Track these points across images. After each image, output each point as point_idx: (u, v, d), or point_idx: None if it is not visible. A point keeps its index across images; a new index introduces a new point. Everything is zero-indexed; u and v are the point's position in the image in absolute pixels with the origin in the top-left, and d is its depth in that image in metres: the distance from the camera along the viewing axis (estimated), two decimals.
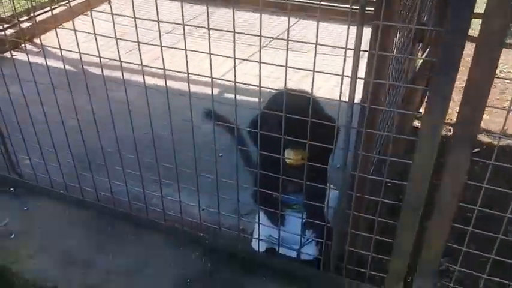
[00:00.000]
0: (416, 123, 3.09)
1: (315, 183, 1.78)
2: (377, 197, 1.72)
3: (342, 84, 1.42)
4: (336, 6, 3.86)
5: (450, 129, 2.96)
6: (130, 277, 2.04)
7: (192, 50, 1.54)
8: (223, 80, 1.65)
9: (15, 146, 2.40)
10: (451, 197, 1.53)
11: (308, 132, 1.59)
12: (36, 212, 2.38)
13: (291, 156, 1.84)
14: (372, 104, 1.50)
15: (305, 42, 1.41)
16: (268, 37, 3.40)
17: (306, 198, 1.86)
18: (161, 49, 1.65)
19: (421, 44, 2.75)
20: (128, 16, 1.67)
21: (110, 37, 1.70)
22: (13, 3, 2.07)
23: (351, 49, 1.36)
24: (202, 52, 1.58)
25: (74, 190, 2.34)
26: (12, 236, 2.25)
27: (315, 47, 1.40)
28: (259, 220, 2.01)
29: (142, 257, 2.13)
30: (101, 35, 1.74)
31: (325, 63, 3.03)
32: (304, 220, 1.95)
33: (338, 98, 1.48)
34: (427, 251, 1.70)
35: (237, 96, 1.66)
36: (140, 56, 1.72)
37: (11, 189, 2.50)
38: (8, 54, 3.14)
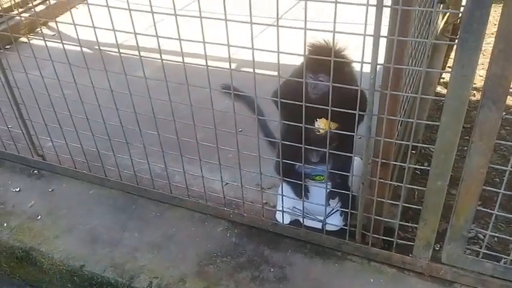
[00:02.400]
0: (439, 88, 3.01)
1: (341, 153, 1.74)
2: (402, 163, 1.68)
3: (364, 44, 1.37)
4: None
5: (474, 94, 2.89)
6: (156, 253, 2.05)
7: (207, 18, 1.51)
8: (241, 47, 1.61)
9: (37, 128, 2.42)
10: (482, 159, 1.48)
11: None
12: (60, 192, 2.40)
13: (322, 126, 1.81)
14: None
15: (324, 1, 1.36)
16: None
17: (332, 168, 1.83)
18: (176, 21, 1.61)
19: (441, 5, 2.65)
20: None
21: (125, 9, 1.67)
22: None
23: (372, 5, 1.30)
24: (218, 19, 1.54)
25: (97, 169, 2.35)
26: (39, 217, 2.28)
27: (335, 5, 1.35)
28: (282, 192, 1.98)
29: (167, 233, 2.14)
30: (118, 8, 1.71)
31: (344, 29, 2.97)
32: (328, 190, 1.93)
33: (360, 60, 1.43)
34: (456, 216, 1.66)
35: (255, 70, 1.62)
36: (156, 30, 1.70)
37: (35, 171, 2.53)
38: (23, 39, 3.17)
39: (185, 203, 2.21)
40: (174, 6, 1.62)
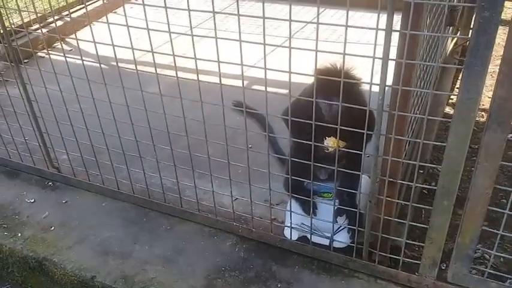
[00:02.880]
0: (448, 109, 3.05)
1: (349, 171, 1.78)
2: (410, 182, 1.71)
3: (373, 65, 1.42)
4: None
5: (483, 115, 2.92)
6: (166, 266, 2.09)
7: (223, 38, 1.57)
8: (254, 67, 1.67)
9: (53, 141, 2.49)
10: (487, 180, 1.52)
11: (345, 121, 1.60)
12: (74, 204, 2.46)
13: (331, 144, 1.85)
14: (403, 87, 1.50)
15: (336, 25, 1.42)
16: (300, 21, 3.41)
17: (339, 186, 1.87)
18: (192, 40, 1.68)
19: (451, 28, 2.71)
20: (159, 6, 1.69)
21: (142, 28, 1.74)
22: (49, 3, 2.15)
23: (382, 29, 1.36)
24: (232, 40, 1.60)
25: (110, 182, 2.40)
26: (52, 228, 2.33)
27: (345, 29, 1.40)
28: (291, 208, 2.02)
29: (177, 246, 2.18)
30: (137, 27, 1.78)
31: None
32: (336, 207, 1.96)
33: (369, 81, 1.48)
34: (462, 236, 1.68)
35: (267, 88, 1.68)
36: (172, 48, 1.76)
37: (50, 183, 2.59)
38: (41, 53, 3.27)
39: (195, 217, 2.25)
40: (191, 25, 1.69)
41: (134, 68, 1.89)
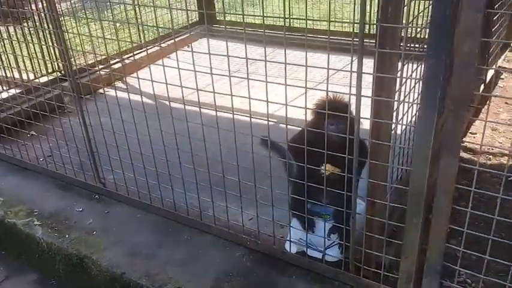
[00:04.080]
0: None
1: (345, 193, 2.08)
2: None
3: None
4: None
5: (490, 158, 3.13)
6: (183, 268, 2.45)
7: (254, 79, 2.01)
8: (277, 103, 2.06)
9: (102, 161, 2.97)
10: (446, 199, 1.78)
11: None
12: (114, 214, 2.90)
13: (327, 169, 2.17)
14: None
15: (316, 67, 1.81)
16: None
17: (335, 206, 2.17)
18: (230, 81, 2.11)
19: None
20: (204, 53, 2.13)
21: (191, 70, 2.18)
22: (106, 47, 2.67)
23: (354, 71, 1.72)
24: (259, 80, 2.03)
25: (145, 197, 2.83)
26: (94, 232, 2.77)
27: (327, 71, 1.78)
28: (290, 223, 2.33)
29: (194, 253, 2.53)
30: (185, 70, 2.23)
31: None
32: (330, 226, 2.26)
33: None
34: (429, 251, 1.92)
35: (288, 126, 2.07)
36: (213, 88, 2.19)
37: (96, 196, 3.06)
38: (101, 90, 3.85)
39: (212, 229, 2.61)
40: (229, 69, 2.11)
41: (182, 103, 2.32)
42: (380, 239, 2.07)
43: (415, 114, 2.31)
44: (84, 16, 4.40)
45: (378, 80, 1.78)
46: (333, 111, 1.97)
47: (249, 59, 2.04)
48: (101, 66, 3.45)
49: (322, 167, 2.20)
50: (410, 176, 1.84)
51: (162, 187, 2.71)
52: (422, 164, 1.78)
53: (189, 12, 5.73)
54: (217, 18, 6.23)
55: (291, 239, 2.37)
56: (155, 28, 4.60)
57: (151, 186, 2.77)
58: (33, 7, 4.16)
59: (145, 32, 5.45)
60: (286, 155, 2.45)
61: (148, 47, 3.13)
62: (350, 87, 1.80)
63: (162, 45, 4.69)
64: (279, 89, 2.01)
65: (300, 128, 2.22)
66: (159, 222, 2.78)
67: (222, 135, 2.26)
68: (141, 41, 4.56)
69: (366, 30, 1.77)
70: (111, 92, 2.79)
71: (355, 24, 1.71)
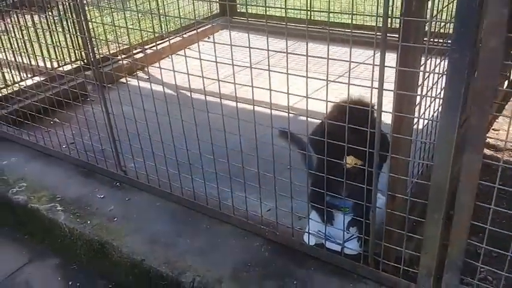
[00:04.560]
0: None
1: (365, 187, 2.07)
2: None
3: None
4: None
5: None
6: (202, 257, 2.47)
7: (275, 71, 1.99)
8: (297, 95, 2.07)
9: (124, 149, 3.00)
10: (468, 196, 1.76)
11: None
12: (135, 202, 2.94)
13: (349, 161, 2.17)
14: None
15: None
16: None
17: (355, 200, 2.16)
18: (251, 72, 2.11)
19: None
20: (225, 44, 2.13)
21: (213, 61, 2.21)
22: (128, 37, 2.70)
23: (376, 65, 1.70)
24: (279, 72, 2.02)
25: (165, 186, 2.86)
26: (115, 219, 2.81)
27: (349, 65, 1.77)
28: (308, 216, 2.34)
29: (213, 242, 2.56)
30: (207, 60, 2.25)
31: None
32: (349, 218, 2.26)
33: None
34: (451, 247, 1.91)
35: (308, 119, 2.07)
36: (234, 79, 2.21)
37: (117, 183, 3.10)
38: (123, 80, 3.88)
39: (231, 219, 2.63)
40: (250, 61, 2.11)
41: (203, 94, 2.34)
42: (400, 233, 2.07)
43: (437, 109, 2.29)
44: (108, 6, 4.45)
45: (400, 74, 1.77)
46: (354, 110, 1.96)
47: (271, 50, 2.04)
48: (123, 56, 3.48)
49: (344, 159, 2.20)
50: (432, 171, 1.82)
51: (182, 176, 2.74)
52: (444, 159, 1.76)
53: (210, 3, 5.72)
54: (238, 10, 6.22)
55: (310, 231, 2.37)
56: (177, 19, 4.62)
57: (172, 175, 2.80)
58: None
59: (167, 23, 5.47)
60: (306, 147, 2.45)
61: (170, 38, 3.14)
62: (372, 81, 1.79)
63: (184, 36, 4.73)
64: (300, 82, 2.01)
65: (320, 121, 2.22)
66: (179, 211, 2.81)
67: (242, 127, 2.27)
68: (163, 32, 4.59)
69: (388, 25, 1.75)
70: (133, 81, 2.83)
71: (379, 18, 1.69)
